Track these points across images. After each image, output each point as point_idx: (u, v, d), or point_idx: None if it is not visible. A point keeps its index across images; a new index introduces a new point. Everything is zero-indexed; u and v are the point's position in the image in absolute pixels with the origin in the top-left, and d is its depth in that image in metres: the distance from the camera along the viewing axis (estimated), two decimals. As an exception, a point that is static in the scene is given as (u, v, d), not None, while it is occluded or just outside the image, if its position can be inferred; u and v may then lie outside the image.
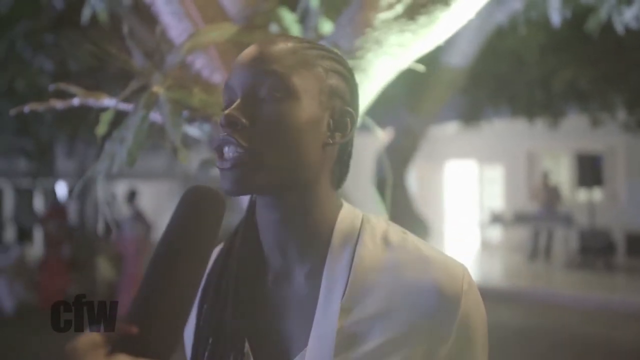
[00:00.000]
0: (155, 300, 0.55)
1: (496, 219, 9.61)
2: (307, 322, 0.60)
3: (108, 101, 1.34)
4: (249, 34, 1.45)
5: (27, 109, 1.34)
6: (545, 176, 8.64)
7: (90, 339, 0.52)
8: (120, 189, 9.55)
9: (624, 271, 7.70)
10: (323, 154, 0.61)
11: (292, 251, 0.62)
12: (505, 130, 8.97)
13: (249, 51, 0.61)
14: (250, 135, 0.57)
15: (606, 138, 8.23)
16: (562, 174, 9.56)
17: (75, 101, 1.36)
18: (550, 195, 8.50)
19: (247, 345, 0.61)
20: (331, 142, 0.61)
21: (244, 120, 0.57)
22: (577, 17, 3.37)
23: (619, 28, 3.11)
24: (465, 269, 0.60)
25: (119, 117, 1.21)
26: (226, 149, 0.57)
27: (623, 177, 8.73)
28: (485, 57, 3.87)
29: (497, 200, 10.51)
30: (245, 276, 0.63)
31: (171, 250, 0.58)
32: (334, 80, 0.62)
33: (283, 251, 0.63)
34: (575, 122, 6.90)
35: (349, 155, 0.67)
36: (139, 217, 6.10)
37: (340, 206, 0.65)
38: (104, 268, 6.61)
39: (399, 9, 1.30)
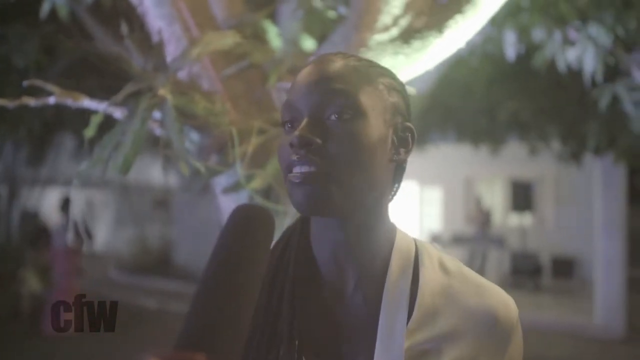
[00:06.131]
0: (218, 330, 0.49)
1: (435, 239, 9.95)
2: (366, 341, 0.59)
3: (88, 103, 1.26)
4: (240, 44, 1.43)
5: (-6, 105, 1.23)
6: (478, 201, 9.10)
7: None
8: (52, 197, 8.93)
9: (550, 292, 8.21)
10: (388, 171, 0.62)
11: (350, 269, 0.61)
12: (448, 155, 9.37)
13: (311, 70, 0.60)
14: (322, 155, 0.56)
15: (538, 167, 8.83)
16: (496, 198, 10.11)
17: (51, 100, 1.27)
18: (483, 218, 8.95)
19: None
20: (396, 158, 0.62)
21: (317, 140, 0.56)
22: (523, 54, 3.62)
23: (562, 66, 3.38)
24: (513, 302, 0.63)
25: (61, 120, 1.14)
26: (298, 167, 0.56)
27: (551, 204, 9.37)
28: (436, 85, 4.04)
29: (435, 222, 10.90)
30: (300, 291, 0.61)
31: (229, 276, 0.52)
32: (395, 98, 0.63)
33: (341, 269, 0.62)
34: (511, 152, 7.35)
35: (403, 171, 0.67)
36: (72, 226, 5.73)
37: (394, 226, 0.65)
38: (30, 281, 6.10)
39: (395, 32, 1.33)
